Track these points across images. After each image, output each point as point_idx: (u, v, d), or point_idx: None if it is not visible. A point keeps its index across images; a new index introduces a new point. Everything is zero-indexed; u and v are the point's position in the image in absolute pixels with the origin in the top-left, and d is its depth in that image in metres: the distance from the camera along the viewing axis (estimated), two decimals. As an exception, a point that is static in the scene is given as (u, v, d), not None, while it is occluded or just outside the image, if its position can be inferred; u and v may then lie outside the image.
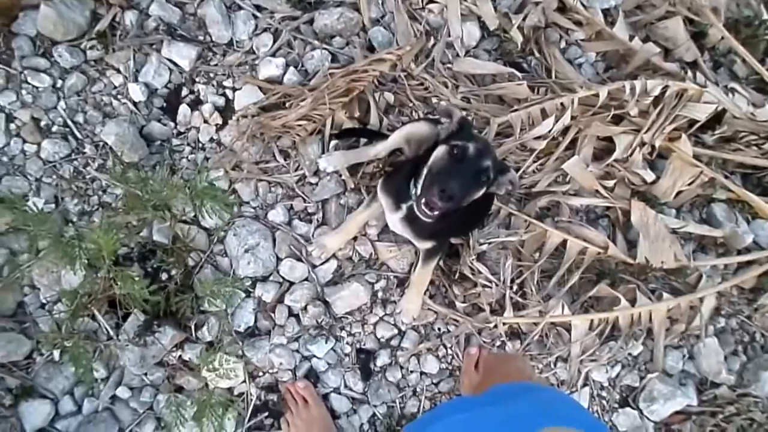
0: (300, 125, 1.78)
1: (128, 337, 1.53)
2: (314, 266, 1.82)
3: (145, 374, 1.58)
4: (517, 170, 1.80)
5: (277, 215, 1.84)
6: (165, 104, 1.81)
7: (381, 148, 1.76)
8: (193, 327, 1.63)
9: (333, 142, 1.85)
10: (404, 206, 1.42)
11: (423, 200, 1.18)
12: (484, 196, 1.28)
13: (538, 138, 1.85)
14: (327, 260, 1.83)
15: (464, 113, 1.77)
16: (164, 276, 1.60)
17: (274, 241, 1.81)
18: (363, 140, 1.88)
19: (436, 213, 1.18)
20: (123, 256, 1.58)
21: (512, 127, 1.86)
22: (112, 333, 1.51)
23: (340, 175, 1.86)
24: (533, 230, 1.84)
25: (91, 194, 1.67)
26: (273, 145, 1.85)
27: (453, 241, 1.82)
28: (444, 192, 1.11)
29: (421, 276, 1.73)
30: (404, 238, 1.71)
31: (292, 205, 1.85)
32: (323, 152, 1.84)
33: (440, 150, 1.25)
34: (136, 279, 1.38)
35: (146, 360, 1.55)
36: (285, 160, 1.86)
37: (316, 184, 1.87)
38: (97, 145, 1.70)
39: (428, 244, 1.59)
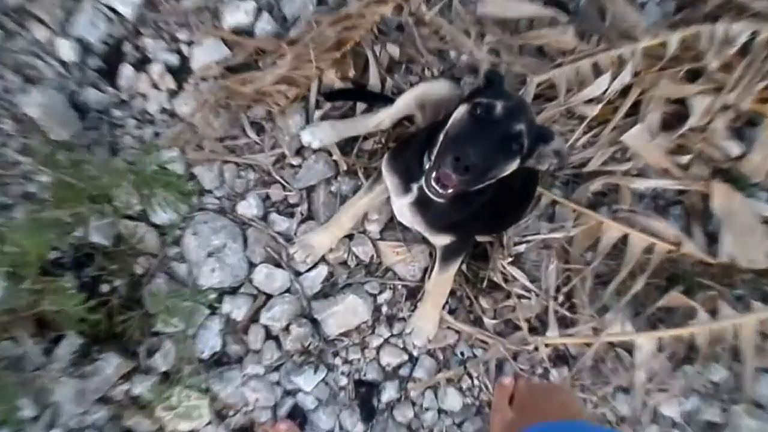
0: (278, 90, 1.85)
1: (62, 366, 1.55)
2: (298, 273, 1.87)
3: (85, 413, 1.59)
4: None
5: (248, 207, 1.89)
6: (103, 65, 1.85)
7: (384, 117, 1.82)
8: (143, 353, 1.67)
9: (319, 112, 1.91)
10: (415, 187, 1.47)
11: (434, 173, 1.22)
12: (523, 177, 1.39)
13: (589, 102, 1.90)
14: (314, 265, 1.88)
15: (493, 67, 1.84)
16: (105, 288, 1.64)
17: (245, 241, 1.87)
18: (360, 107, 1.93)
19: (450, 191, 1.22)
20: (53, 263, 1.60)
21: (555, 88, 1.90)
22: (41, 361, 1.53)
23: (330, 154, 1.91)
24: (584, 223, 1.89)
25: (11, 183, 1.66)
26: (243, 117, 1.91)
27: (480, 239, 1.90)
28: (459, 161, 1.13)
29: (438, 285, 1.79)
30: (415, 234, 1.81)
31: (267, 194, 1.92)
32: (308, 123, 1.90)
33: (460, 109, 1.30)
34: (70, 292, 1.44)
35: (85, 395, 1.57)
36: (258, 135, 1.92)
37: (299, 166, 1.93)
38: (16, 119, 1.71)
39: (446, 240, 1.64)
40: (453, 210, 1.41)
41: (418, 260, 1.94)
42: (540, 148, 1.31)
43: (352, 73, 1.93)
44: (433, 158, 1.31)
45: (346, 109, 1.97)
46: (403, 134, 1.93)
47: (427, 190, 1.27)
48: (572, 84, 1.92)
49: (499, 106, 1.23)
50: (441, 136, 1.31)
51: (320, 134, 1.87)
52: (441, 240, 1.67)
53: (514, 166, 1.26)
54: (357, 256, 1.94)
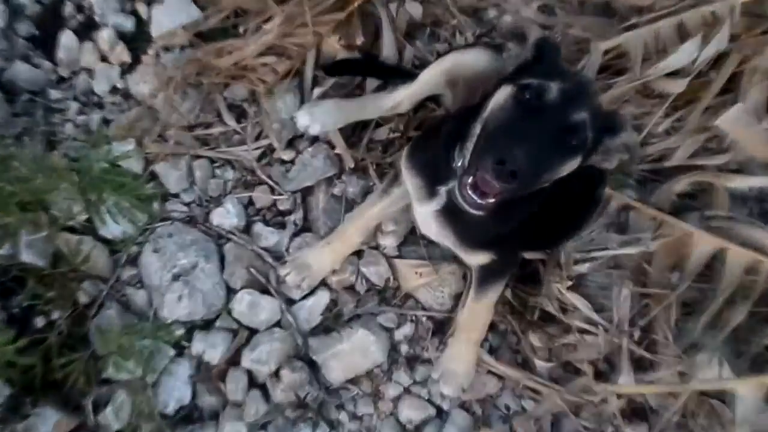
0: (263, 64, 1.87)
1: (-14, 422, 1.55)
2: (291, 302, 1.88)
3: (14, 486, 1.58)
4: (636, 130, 1.84)
5: (226, 216, 1.92)
6: (36, 32, 1.88)
7: (402, 97, 1.83)
8: (89, 407, 1.66)
9: (318, 90, 1.92)
10: (444, 190, 1.47)
11: (470, 179, 1.21)
12: (585, 176, 1.33)
13: (672, 75, 1.88)
14: (312, 291, 1.89)
15: (545, 33, 1.87)
16: (40, 322, 1.65)
17: (221, 260, 1.88)
18: (371, 84, 1.94)
19: (490, 201, 1.21)
20: (-28, 290, 1.60)
21: (627, 57, 1.89)
22: (-42, 416, 1.52)
23: (333, 146, 1.92)
24: (667, 234, 1.87)
25: None
26: (218, 99, 1.93)
27: (528, 256, 1.88)
28: (503, 165, 1.12)
29: (474, 316, 1.80)
30: (444, 251, 1.80)
31: (251, 198, 1.94)
32: (303, 103, 1.90)
33: (502, 93, 1.29)
34: (-5, 328, 1.41)
35: (14, 463, 1.56)
36: (239, 122, 1.95)
37: (292, 161, 1.95)
38: (-75, 102, 1.75)
39: (484, 258, 1.64)
40: (493, 220, 1.40)
41: (448, 284, 1.94)
42: (606, 140, 1.31)
43: (360, 40, 1.94)
44: (467, 156, 1.31)
45: (352, 88, 1.97)
46: (428, 120, 1.93)
47: (459, 200, 1.26)
48: (650, 51, 1.91)
49: (553, 89, 1.23)
50: (477, 127, 1.30)
51: (321, 116, 1.88)
52: (478, 258, 1.66)
53: (573, 166, 1.26)
54: (368, 279, 1.94)
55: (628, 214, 1.96)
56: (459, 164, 1.39)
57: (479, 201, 1.23)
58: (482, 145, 1.24)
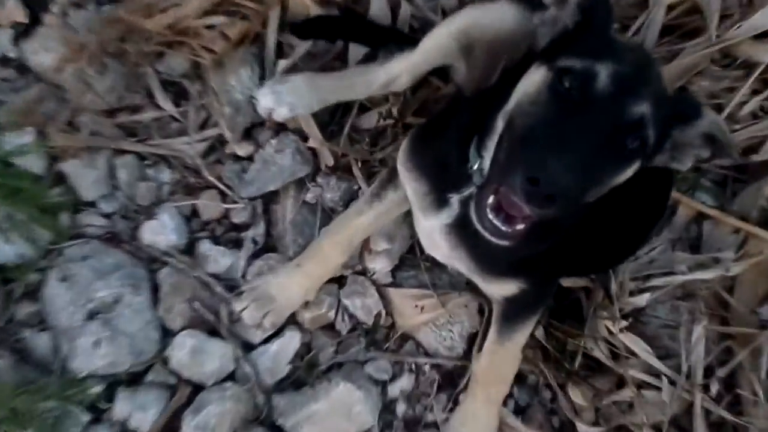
0: (209, 26, 1.83)
1: None
2: (249, 347, 1.84)
3: None
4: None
5: (161, 232, 1.88)
6: None
7: (399, 69, 1.83)
8: None
9: (284, 62, 1.90)
10: (456, 199, 1.48)
11: (491, 198, 1.21)
12: (645, 177, 1.32)
13: (760, 37, 1.86)
14: (278, 332, 1.86)
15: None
16: None
17: (155, 291, 1.84)
18: (355, 53, 1.92)
19: (519, 228, 1.22)
20: None
21: (699, 14, 1.87)
22: None
23: (305, 137, 1.90)
24: (755, 253, 1.87)
25: None
26: (149, 74, 1.89)
27: (566, 282, 1.87)
28: (536, 184, 1.09)
29: (494, 365, 1.79)
30: (454, 276, 1.84)
31: (195, 207, 1.90)
32: (265, 79, 1.90)
33: (534, 78, 1.28)
34: None
35: None
36: (178, 105, 1.90)
37: (250, 158, 1.91)
38: None
39: (509, 287, 1.65)
40: (523, 239, 1.33)
41: (459, 321, 1.93)
42: (676, 133, 1.31)
43: None
44: (486, 160, 1.34)
45: (330, 58, 1.95)
46: (432, 101, 1.91)
47: (477, 225, 1.25)
48: (731, 6, 1.89)
49: (603, 75, 1.21)
50: (500, 121, 1.29)
51: (289, 96, 1.85)
52: (502, 288, 1.66)
53: (629, 173, 1.26)
54: (352, 315, 1.91)
55: (701, 225, 1.96)
56: (476, 167, 1.39)
57: (504, 228, 1.22)
58: (507, 151, 1.22)
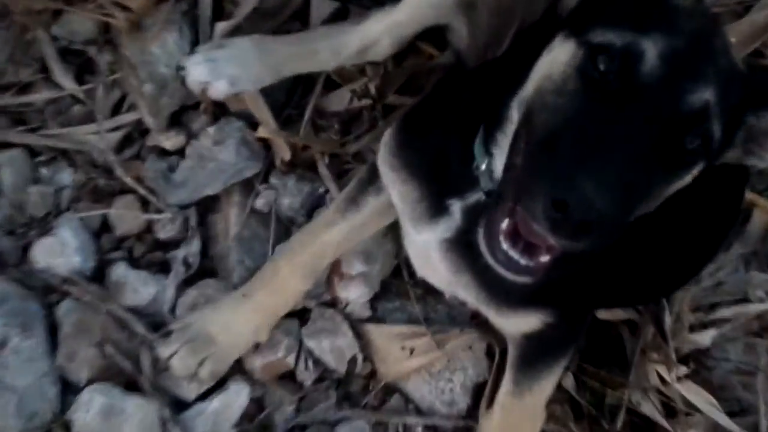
0: None
1: None
2: (181, 405, 1.73)
3: None
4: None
5: (60, 253, 1.74)
6: None
7: (379, 31, 1.75)
8: None
9: (224, 24, 1.79)
10: (458, 206, 1.39)
11: (504, 220, 1.13)
12: (710, 179, 1.26)
13: None
14: (220, 385, 1.74)
15: None
16: None
17: (52, 332, 1.70)
18: (319, 9, 1.84)
19: (542, 261, 1.13)
20: None
21: None
22: None
23: (254, 124, 1.80)
24: None
25: None
26: (42, 39, 1.78)
27: (603, 315, 1.81)
28: (565, 209, 0.99)
29: (510, 423, 1.68)
30: (454, 307, 1.80)
31: (106, 218, 1.78)
32: (197, 45, 1.82)
33: (559, 55, 1.18)
34: None
35: None
36: (82, 82, 1.80)
37: (180, 152, 1.81)
38: None
39: (530, 323, 1.53)
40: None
41: (461, 367, 1.79)
42: (752, 120, 1.20)
43: None
44: (497, 163, 1.28)
45: (285, 18, 1.85)
46: (423, 73, 1.84)
47: (489, 258, 1.14)
48: None
49: (651, 53, 1.09)
50: (515, 111, 1.22)
51: (230, 66, 1.75)
52: (520, 323, 1.55)
53: (688, 179, 1.17)
54: (318, 361, 1.78)
55: None
56: (484, 167, 1.29)
57: (522, 262, 1.13)
58: (525, 158, 1.14)
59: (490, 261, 1.14)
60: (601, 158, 1.02)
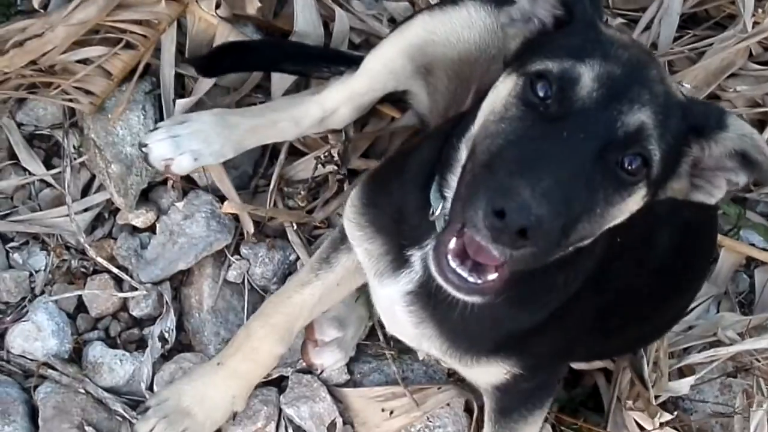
0: (85, 60, 1.75)
1: None
2: None
3: None
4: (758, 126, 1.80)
5: (36, 337, 1.74)
6: None
7: (338, 100, 1.78)
8: None
9: (185, 101, 1.80)
10: (417, 257, 1.38)
11: (452, 240, 1.13)
12: (681, 217, 1.36)
13: None
14: None
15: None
16: None
17: (32, 416, 1.68)
18: (280, 82, 1.85)
19: (491, 280, 1.13)
20: None
21: None
22: None
23: (221, 195, 1.82)
24: None
25: None
26: (7, 126, 1.79)
27: (578, 366, 1.82)
28: (502, 216, 0.99)
29: None
30: (431, 363, 1.79)
31: (81, 299, 1.79)
32: (162, 119, 1.82)
33: (502, 88, 1.20)
34: None
35: None
36: (50, 166, 1.81)
37: (151, 229, 1.82)
38: None
39: (497, 373, 1.50)
40: (510, 303, 1.28)
41: (440, 425, 1.77)
42: (697, 152, 1.19)
43: (255, 6, 1.83)
44: (449, 199, 1.27)
45: (248, 91, 1.86)
46: (388, 136, 1.85)
47: (438, 277, 1.14)
48: None
49: (587, 78, 1.10)
50: (463, 149, 1.24)
51: (192, 140, 1.75)
52: (486, 375, 1.51)
53: (633, 205, 1.15)
54: (299, 427, 1.76)
55: (752, 274, 1.89)
56: (439, 211, 1.29)
57: (471, 280, 1.11)
58: (469, 182, 1.14)
59: (440, 281, 1.13)
60: (539, 169, 1.04)
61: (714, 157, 1.19)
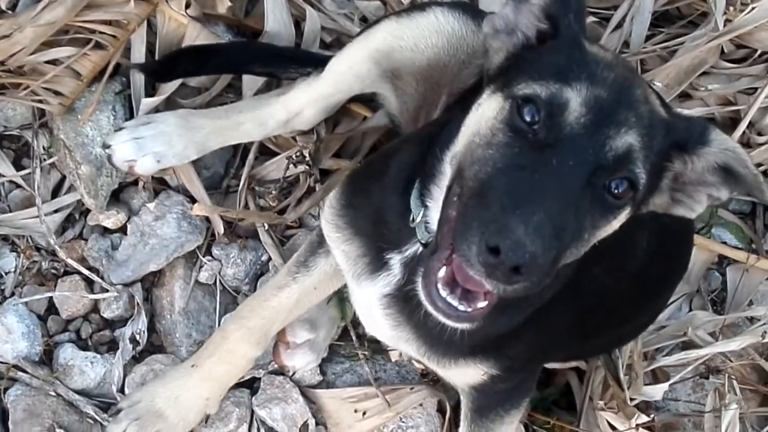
0: (54, 61, 1.75)
1: None
2: None
3: None
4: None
5: (6, 339, 1.72)
6: None
7: (303, 101, 1.78)
8: None
9: (151, 100, 1.79)
10: (397, 260, 1.38)
11: (442, 271, 1.13)
12: (658, 225, 1.37)
13: None
14: None
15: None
16: None
17: (2, 418, 1.69)
18: (251, 81, 1.85)
19: (480, 308, 1.13)
20: None
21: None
22: None
23: (189, 197, 1.81)
24: None
25: None
26: None
27: (553, 366, 1.82)
28: (498, 253, 1.00)
29: None
30: (404, 363, 1.78)
31: (51, 301, 1.77)
32: (131, 117, 1.81)
33: (487, 110, 1.19)
34: None
35: None
36: (19, 167, 1.80)
37: (122, 230, 1.81)
38: None
39: (474, 374, 1.50)
40: (492, 313, 1.25)
41: (413, 425, 1.78)
42: (679, 167, 1.20)
43: (225, 5, 1.83)
44: (433, 216, 1.28)
45: (219, 91, 1.85)
46: (360, 137, 1.85)
47: (428, 306, 1.15)
48: None
49: (575, 103, 1.10)
50: (447, 166, 1.24)
51: (155, 141, 1.74)
52: (463, 375, 1.51)
53: (615, 226, 1.16)
54: (271, 429, 1.77)
55: (725, 269, 1.90)
56: (419, 218, 1.28)
57: (462, 308, 1.12)
58: (459, 209, 1.14)
59: (430, 309, 1.13)
60: (531, 203, 1.03)
61: (696, 171, 1.19)
